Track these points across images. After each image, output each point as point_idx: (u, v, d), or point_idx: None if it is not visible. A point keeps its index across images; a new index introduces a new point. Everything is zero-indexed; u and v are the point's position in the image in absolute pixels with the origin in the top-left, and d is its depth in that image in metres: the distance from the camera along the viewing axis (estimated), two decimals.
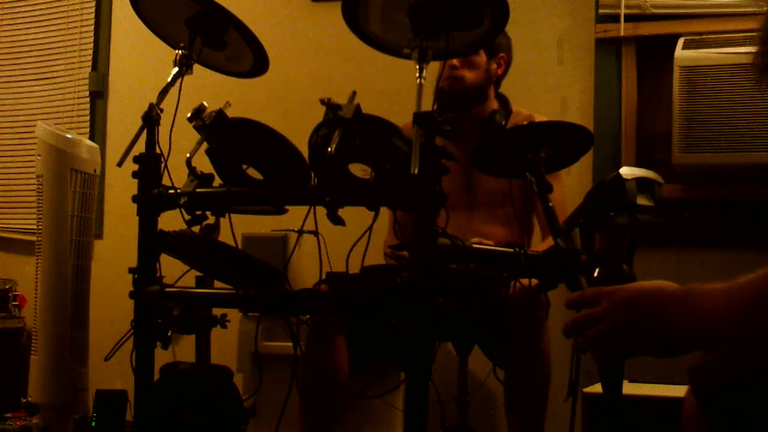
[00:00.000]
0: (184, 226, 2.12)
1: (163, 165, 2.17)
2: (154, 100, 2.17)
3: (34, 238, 3.31)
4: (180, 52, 2.25)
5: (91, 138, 3.87)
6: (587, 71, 3.33)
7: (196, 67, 2.29)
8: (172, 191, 2.14)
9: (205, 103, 2.11)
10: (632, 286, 1.18)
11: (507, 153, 2.20)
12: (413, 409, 1.83)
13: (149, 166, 2.16)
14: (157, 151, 2.17)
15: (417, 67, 1.96)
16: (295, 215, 2.13)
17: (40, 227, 3.21)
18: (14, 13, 4.27)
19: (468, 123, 2.70)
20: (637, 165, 2.99)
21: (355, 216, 1.90)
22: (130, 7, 2.32)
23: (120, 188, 3.80)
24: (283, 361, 2.47)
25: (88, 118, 4.03)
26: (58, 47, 4.15)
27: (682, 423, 1.14)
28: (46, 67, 4.17)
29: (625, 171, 2.03)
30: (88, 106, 4.04)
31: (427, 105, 1.90)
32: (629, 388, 2.12)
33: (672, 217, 3.03)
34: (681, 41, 2.98)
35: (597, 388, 2.23)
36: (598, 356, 1.24)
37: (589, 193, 2.10)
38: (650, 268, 2.53)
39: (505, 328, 2.36)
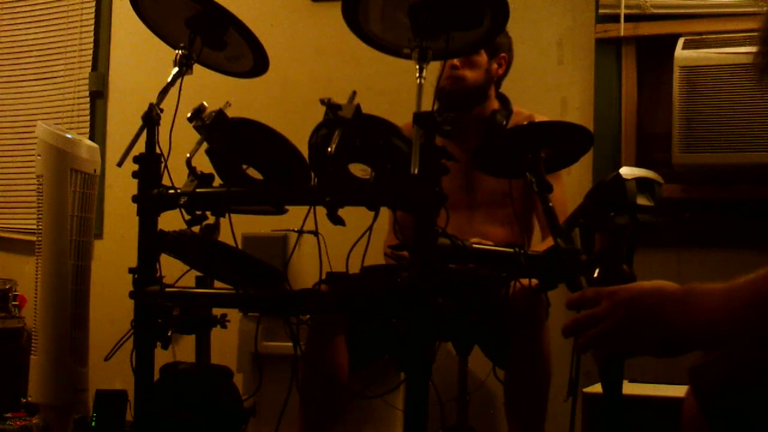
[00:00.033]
0: (184, 226, 2.12)
1: (163, 165, 2.17)
2: (154, 100, 2.17)
3: (34, 238, 3.30)
4: (180, 52, 2.25)
5: (91, 138, 3.87)
6: (587, 71, 3.33)
7: (196, 67, 2.29)
8: (172, 191, 2.14)
9: (205, 103, 2.11)
10: (632, 286, 1.18)
11: (507, 153, 2.20)
12: (413, 409, 1.83)
13: (149, 166, 2.16)
14: (157, 151, 2.17)
15: (417, 67, 1.96)
16: (295, 215, 2.13)
17: (40, 227, 3.21)
18: (14, 13, 4.27)
19: (468, 123, 2.70)
20: (637, 165, 2.99)
21: (355, 216, 1.90)
22: (130, 7, 2.32)
23: (120, 188, 3.79)
24: (283, 361, 2.47)
25: (88, 118, 4.03)
26: (58, 47, 4.14)
27: (682, 423, 1.14)
28: (46, 67, 4.17)
29: (625, 171, 2.02)
30: (88, 106, 4.04)
31: (427, 105, 1.90)
32: (629, 388, 2.12)
33: (672, 217, 3.03)
34: (681, 41, 2.98)
35: (597, 388, 2.23)
36: (598, 356, 1.24)
37: (589, 193, 2.10)
38: (650, 268, 2.53)
39: (505, 328, 2.35)
